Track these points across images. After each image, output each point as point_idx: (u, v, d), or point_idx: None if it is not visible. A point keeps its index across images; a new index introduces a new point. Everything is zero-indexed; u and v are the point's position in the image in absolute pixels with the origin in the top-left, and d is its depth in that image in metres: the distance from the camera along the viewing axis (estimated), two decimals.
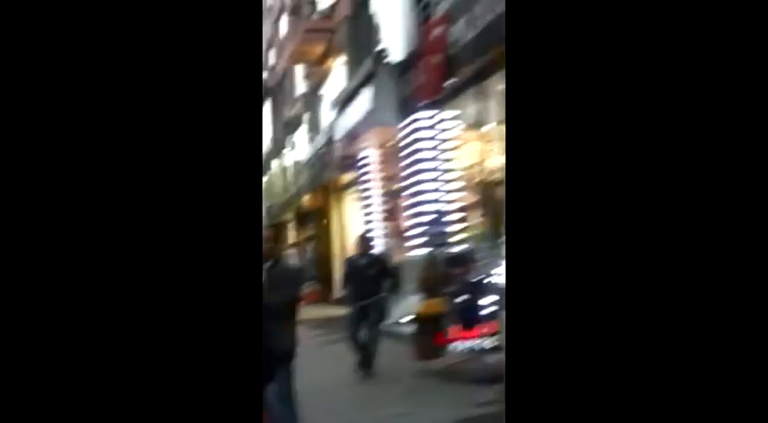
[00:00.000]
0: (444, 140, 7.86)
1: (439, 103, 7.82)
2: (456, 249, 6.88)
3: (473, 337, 5.91)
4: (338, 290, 11.28)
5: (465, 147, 7.84)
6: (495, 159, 7.14)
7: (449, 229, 7.50)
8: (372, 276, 6.05)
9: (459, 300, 6.02)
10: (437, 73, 7.63)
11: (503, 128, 6.72)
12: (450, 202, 7.70)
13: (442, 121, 7.89)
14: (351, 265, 6.32)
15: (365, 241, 6.46)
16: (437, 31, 7.71)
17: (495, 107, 7.03)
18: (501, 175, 6.96)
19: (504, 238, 6.88)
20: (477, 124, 7.48)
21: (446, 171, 7.82)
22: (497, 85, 6.67)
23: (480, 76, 7.09)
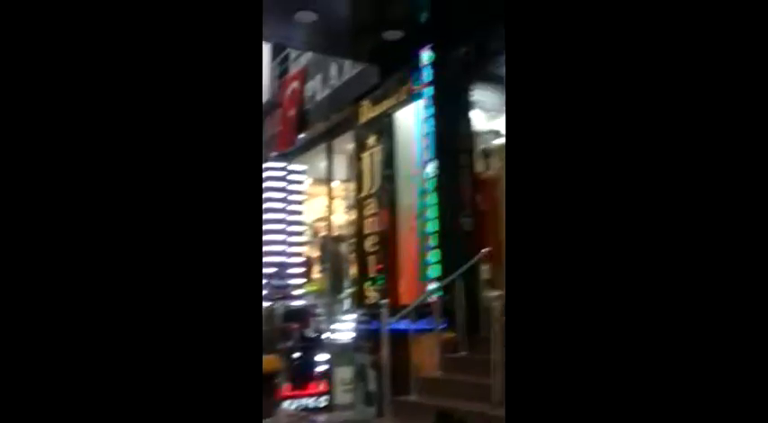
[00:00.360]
0: (292, 192, 7.85)
1: (290, 155, 7.85)
2: (295, 304, 6.78)
3: (306, 395, 5.80)
4: None
5: (311, 201, 7.89)
6: (340, 216, 7.27)
7: (290, 282, 7.40)
8: None
9: (294, 356, 5.90)
10: (291, 125, 7.70)
11: (349, 185, 6.89)
12: (293, 254, 7.63)
13: (291, 172, 7.91)
14: None
15: None
16: (293, 85, 7.83)
17: (343, 165, 7.22)
18: (344, 232, 7.08)
19: (343, 293, 6.94)
20: (324, 180, 7.59)
21: (292, 223, 7.78)
22: (347, 143, 6.86)
23: (331, 134, 7.26)
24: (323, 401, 5.77)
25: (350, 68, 6.75)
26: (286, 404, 5.64)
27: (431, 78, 5.36)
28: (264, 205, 7.80)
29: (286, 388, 5.68)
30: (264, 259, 7.61)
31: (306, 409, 5.69)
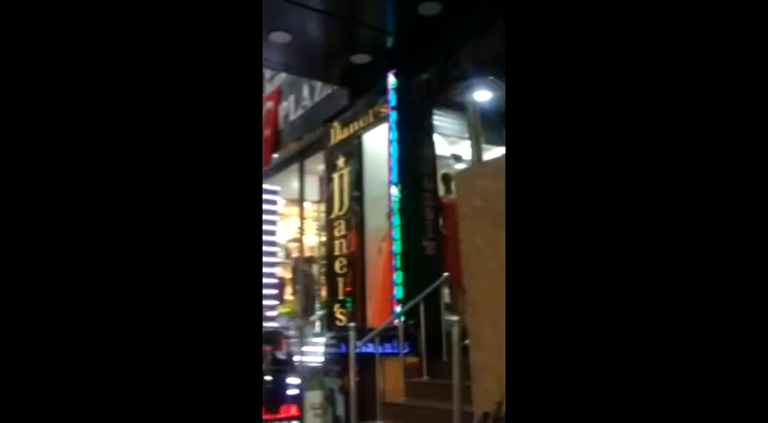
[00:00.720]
0: (267, 212, 7.86)
1: (264, 175, 7.85)
2: (268, 326, 6.77)
3: (278, 419, 5.78)
4: None
5: (285, 222, 7.90)
6: (312, 237, 7.28)
7: (263, 303, 7.39)
8: None
9: (266, 379, 5.88)
10: (266, 145, 7.71)
11: (320, 206, 6.90)
12: (267, 275, 7.63)
13: (266, 192, 7.92)
14: None
15: None
16: (268, 105, 7.86)
17: (315, 185, 7.23)
18: (316, 253, 7.08)
19: (315, 315, 6.93)
20: (297, 201, 7.61)
21: (266, 244, 7.78)
22: (318, 164, 6.89)
23: (303, 154, 7.29)
24: None
25: (321, 90, 6.79)
26: None
27: (395, 102, 5.40)
28: None
29: None
30: None
31: None
